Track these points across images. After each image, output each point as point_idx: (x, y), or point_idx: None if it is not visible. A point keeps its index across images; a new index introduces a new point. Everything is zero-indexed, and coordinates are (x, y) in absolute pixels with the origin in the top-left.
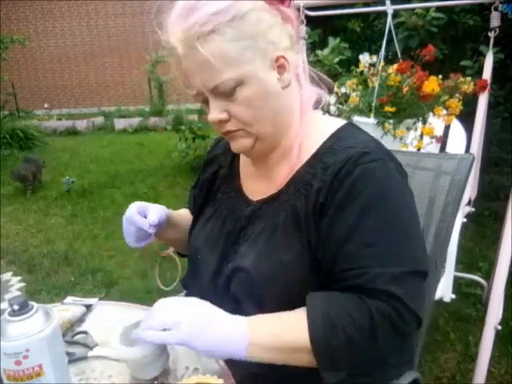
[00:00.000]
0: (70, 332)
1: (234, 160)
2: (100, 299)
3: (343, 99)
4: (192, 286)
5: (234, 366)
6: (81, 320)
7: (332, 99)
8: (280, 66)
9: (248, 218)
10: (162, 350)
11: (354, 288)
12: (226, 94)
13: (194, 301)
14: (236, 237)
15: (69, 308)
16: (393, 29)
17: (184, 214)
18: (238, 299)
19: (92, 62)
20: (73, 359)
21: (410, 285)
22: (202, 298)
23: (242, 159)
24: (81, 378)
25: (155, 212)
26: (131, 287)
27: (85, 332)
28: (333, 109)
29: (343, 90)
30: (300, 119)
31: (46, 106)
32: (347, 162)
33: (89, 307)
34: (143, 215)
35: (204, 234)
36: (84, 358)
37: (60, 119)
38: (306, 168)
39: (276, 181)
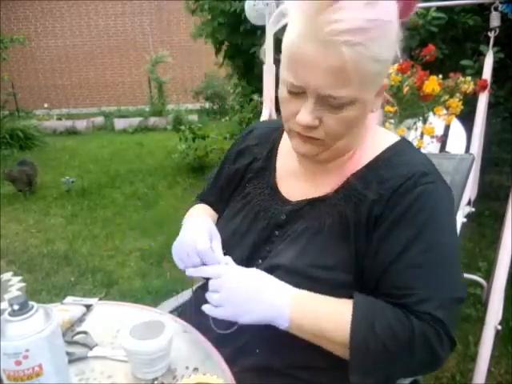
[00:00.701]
0: (70, 332)
1: (270, 154)
2: (100, 299)
3: None
4: None
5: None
6: (81, 320)
7: None
8: (379, 92)
9: (287, 218)
10: (170, 349)
11: (399, 305)
12: (333, 105)
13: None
14: (269, 234)
15: (69, 308)
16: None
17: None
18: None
19: (92, 62)
20: (73, 359)
21: (453, 311)
22: None
23: (281, 155)
24: (81, 378)
25: (218, 242)
26: (131, 287)
27: (85, 332)
28: None
29: None
30: (364, 133)
31: (45, 105)
32: (408, 179)
33: (89, 307)
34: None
35: (231, 228)
36: (84, 358)
37: (60, 119)
38: (359, 177)
39: (321, 184)
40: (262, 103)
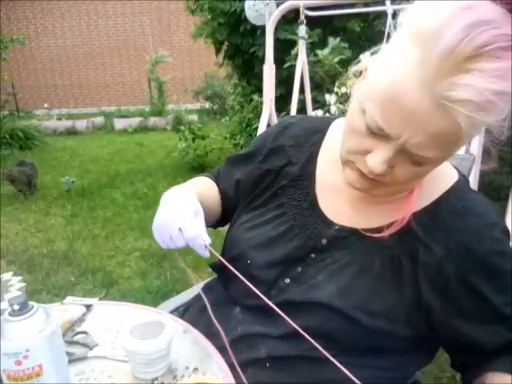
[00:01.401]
0: (70, 332)
1: (309, 161)
2: (100, 299)
3: (344, 99)
4: (236, 281)
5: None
6: (81, 320)
7: (332, 99)
8: None
9: (328, 243)
10: (170, 349)
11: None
12: (413, 161)
13: None
14: (304, 255)
15: (69, 308)
16: (393, 29)
17: (208, 192)
18: (305, 329)
19: (92, 62)
20: (73, 359)
21: None
22: (250, 298)
23: (322, 164)
24: (81, 378)
25: (202, 220)
26: (131, 287)
27: (85, 332)
28: (333, 109)
29: (343, 89)
30: None
31: (45, 105)
32: (481, 234)
33: (89, 307)
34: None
35: (257, 237)
36: (84, 358)
37: (60, 119)
38: (418, 220)
39: (370, 214)
40: (262, 103)
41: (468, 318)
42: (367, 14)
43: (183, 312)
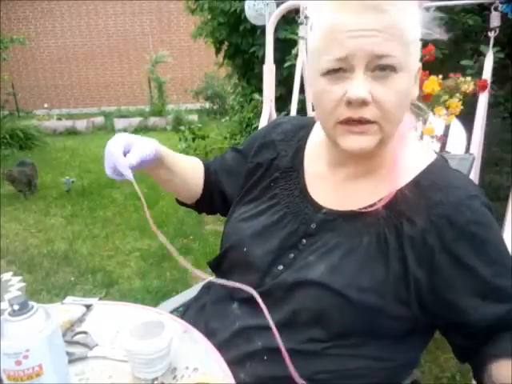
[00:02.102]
0: (70, 332)
1: (297, 153)
2: (100, 299)
3: None
4: (232, 274)
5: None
6: (81, 320)
7: None
8: (415, 76)
9: (317, 227)
10: (170, 349)
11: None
12: (379, 72)
13: None
14: (296, 241)
15: (69, 308)
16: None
17: (183, 158)
18: (299, 313)
19: (92, 62)
20: (73, 359)
21: None
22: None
23: (308, 155)
24: (81, 378)
25: (138, 152)
26: (131, 287)
27: (85, 332)
28: None
29: None
30: (398, 137)
31: (45, 105)
32: (461, 206)
33: (89, 307)
34: (127, 150)
35: (254, 227)
36: (84, 358)
37: (60, 119)
38: (402, 196)
39: (355, 195)
40: (262, 103)
41: (456, 290)
42: None
43: (183, 312)
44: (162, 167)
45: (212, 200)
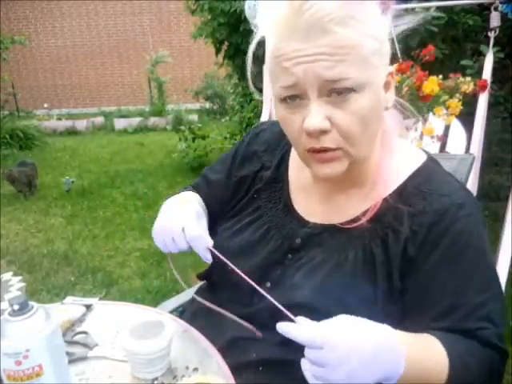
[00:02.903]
0: (70, 332)
1: (281, 164)
2: (100, 299)
3: None
4: (221, 289)
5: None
6: (81, 320)
7: None
8: (387, 83)
9: (302, 242)
10: (170, 349)
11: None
12: (337, 97)
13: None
14: (282, 256)
15: (69, 308)
16: (393, 29)
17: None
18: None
19: (92, 62)
20: (73, 359)
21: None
22: (236, 307)
23: (293, 166)
24: (81, 378)
25: (205, 223)
26: (131, 287)
27: (85, 332)
28: None
29: None
30: (381, 146)
31: (45, 105)
32: (444, 215)
33: (89, 307)
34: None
35: (237, 244)
36: (84, 358)
37: (60, 119)
38: (386, 207)
39: (340, 208)
40: (262, 103)
41: (424, 300)
42: None
43: (181, 314)
44: None
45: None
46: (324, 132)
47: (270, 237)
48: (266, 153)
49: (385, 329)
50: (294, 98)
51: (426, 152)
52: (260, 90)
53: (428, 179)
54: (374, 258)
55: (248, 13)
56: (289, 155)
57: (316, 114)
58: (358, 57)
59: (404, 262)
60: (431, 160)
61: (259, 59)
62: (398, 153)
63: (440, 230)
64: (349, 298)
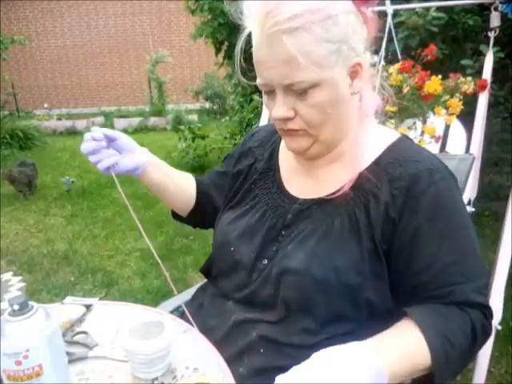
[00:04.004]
0: (70, 332)
1: (272, 154)
2: (100, 299)
3: None
4: (223, 276)
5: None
6: (81, 320)
7: None
8: (354, 72)
9: (293, 218)
10: (170, 349)
11: (449, 303)
12: (298, 92)
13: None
14: (276, 234)
15: (69, 308)
16: (393, 29)
17: (175, 170)
18: (288, 303)
19: (92, 62)
20: (73, 359)
21: (487, 293)
22: (238, 290)
23: (282, 155)
24: (81, 378)
25: (121, 165)
26: (131, 287)
27: (85, 332)
28: None
29: None
30: (358, 124)
31: (45, 105)
32: (419, 178)
33: (89, 307)
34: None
35: (239, 227)
36: (84, 358)
37: (60, 119)
38: (366, 176)
39: (326, 183)
40: (262, 103)
41: (409, 258)
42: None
43: (182, 312)
44: (154, 176)
45: (205, 212)
46: (289, 119)
47: (266, 218)
48: (259, 148)
49: (358, 350)
50: (269, 91)
51: (404, 134)
52: (260, 91)
53: (402, 149)
54: (358, 222)
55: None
56: (278, 147)
57: (280, 105)
58: (310, 62)
59: (386, 223)
60: (406, 137)
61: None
62: (375, 130)
63: (417, 192)
64: (337, 260)
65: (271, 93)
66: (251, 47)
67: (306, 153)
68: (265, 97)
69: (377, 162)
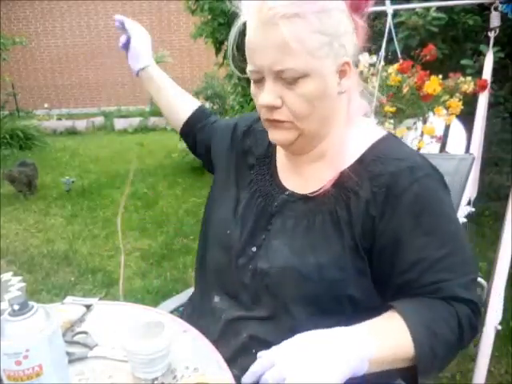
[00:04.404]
0: (70, 332)
1: (270, 144)
2: (100, 299)
3: None
4: (216, 258)
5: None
6: (81, 320)
7: None
8: (342, 71)
9: (279, 207)
10: (170, 349)
11: (434, 298)
12: (288, 81)
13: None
14: (266, 221)
15: (69, 308)
16: (393, 29)
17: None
18: (273, 298)
19: (92, 62)
20: (73, 359)
21: (475, 289)
22: (227, 274)
23: (279, 149)
24: (81, 378)
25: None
26: (131, 287)
27: (85, 332)
28: None
29: None
30: (343, 126)
31: (45, 106)
32: (399, 176)
33: (89, 307)
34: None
35: (235, 211)
36: (84, 358)
37: (60, 119)
38: (348, 174)
39: (310, 179)
40: None
41: (392, 256)
42: (367, 13)
43: (183, 312)
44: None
45: (196, 141)
46: (276, 107)
47: (258, 203)
48: (262, 131)
49: (344, 335)
50: (258, 79)
51: (389, 132)
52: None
53: (385, 147)
54: (340, 219)
55: None
56: None
57: (269, 92)
58: (301, 50)
59: (366, 221)
60: (391, 135)
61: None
62: (360, 129)
63: (398, 190)
64: (319, 256)
65: (260, 81)
66: (244, 38)
67: (289, 147)
68: (253, 86)
69: (359, 161)
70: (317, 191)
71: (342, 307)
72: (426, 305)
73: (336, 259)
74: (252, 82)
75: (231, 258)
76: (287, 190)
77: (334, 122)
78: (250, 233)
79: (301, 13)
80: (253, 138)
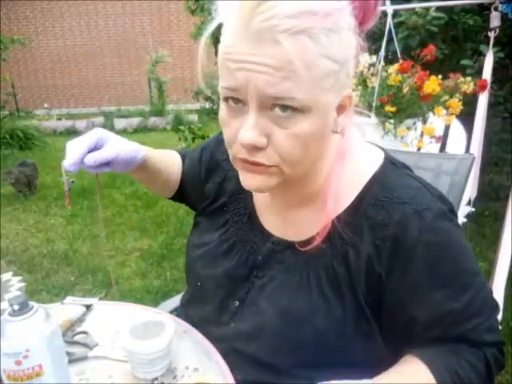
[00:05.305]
0: (70, 332)
1: None
2: (100, 299)
3: None
4: (194, 309)
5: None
6: (81, 320)
7: None
8: (341, 107)
9: (266, 258)
10: (170, 349)
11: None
12: (278, 114)
13: None
14: (248, 273)
15: (69, 308)
16: (393, 29)
17: (164, 158)
18: (260, 360)
19: (92, 62)
20: (73, 359)
21: (498, 326)
22: (210, 325)
23: None
24: (81, 378)
25: (100, 154)
26: (131, 287)
27: (85, 332)
28: None
29: None
30: (336, 164)
31: (45, 105)
32: (406, 226)
33: (89, 307)
34: (100, 146)
35: (205, 258)
36: (84, 358)
37: (60, 119)
38: (344, 221)
39: (297, 223)
40: None
41: (409, 311)
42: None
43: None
44: (145, 171)
45: (186, 194)
46: (259, 148)
47: (235, 252)
48: (228, 162)
49: None
50: (236, 100)
51: (383, 150)
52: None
53: (385, 185)
54: (337, 276)
55: None
56: None
57: (252, 127)
58: (308, 77)
59: (370, 279)
60: (388, 161)
61: None
62: (353, 162)
63: (408, 243)
64: (315, 319)
65: (238, 103)
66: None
67: (265, 191)
68: (225, 111)
69: (355, 205)
70: (307, 240)
71: (343, 368)
72: (451, 350)
73: (335, 324)
74: (224, 102)
75: (209, 310)
76: (272, 235)
77: (323, 164)
78: (229, 284)
79: (311, 30)
80: (220, 171)
